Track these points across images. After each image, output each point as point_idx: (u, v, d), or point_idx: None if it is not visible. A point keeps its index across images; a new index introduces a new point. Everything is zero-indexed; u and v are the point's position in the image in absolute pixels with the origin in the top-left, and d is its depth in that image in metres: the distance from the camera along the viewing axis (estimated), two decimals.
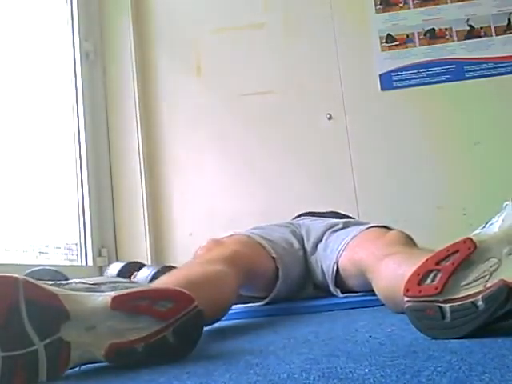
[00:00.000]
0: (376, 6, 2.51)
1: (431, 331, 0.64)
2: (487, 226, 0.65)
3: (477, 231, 0.65)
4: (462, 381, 0.42)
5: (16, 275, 0.62)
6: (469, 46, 2.44)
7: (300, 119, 2.47)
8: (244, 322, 1.12)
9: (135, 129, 2.47)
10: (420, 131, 2.42)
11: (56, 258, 2.12)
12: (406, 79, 2.45)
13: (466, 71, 2.42)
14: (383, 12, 2.50)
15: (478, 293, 0.60)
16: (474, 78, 2.41)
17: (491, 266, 0.61)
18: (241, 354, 0.65)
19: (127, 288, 0.66)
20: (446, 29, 2.47)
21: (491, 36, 2.44)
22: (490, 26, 2.44)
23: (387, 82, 2.45)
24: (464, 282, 0.62)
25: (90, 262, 2.27)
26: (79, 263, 2.25)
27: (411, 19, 2.49)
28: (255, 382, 0.50)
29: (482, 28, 2.45)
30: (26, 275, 1.15)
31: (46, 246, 2.08)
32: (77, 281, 0.68)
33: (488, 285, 0.60)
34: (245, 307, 1.24)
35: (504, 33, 2.43)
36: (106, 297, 0.63)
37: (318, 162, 2.42)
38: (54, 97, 2.31)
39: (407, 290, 0.65)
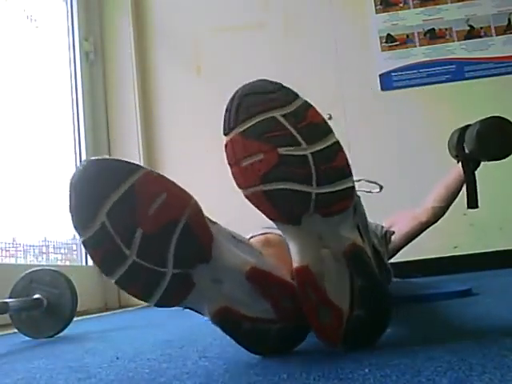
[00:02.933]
0: (376, 6, 2.51)
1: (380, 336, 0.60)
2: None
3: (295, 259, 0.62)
4: (461, 381, 0.42)
5: (191, 196, 0.61)
6: (469, 46, 2.44)
7: None
8: None
9: (135, 129, 2.47)
10: (420, 131, 2.42)
11: (56, 258, 2.12)
12: (406, 79, 2.45)
13: (466, 71, 2.42)
14: (383, 12, 2.51)
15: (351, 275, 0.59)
16: (474, 78, 2.41)
17: (327, 255, 0.60)
18: (241, 354, 0.65)
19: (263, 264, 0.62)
20: (446, 29, 2.47)
21: (491, 36, 2.44)
22: (489, 26, 2.45)
23: (387, 82, 2.45)
24: (337, 284, 0.59)
25: (90, 262, 2.28)
26: (79, 263, 2.25)
27: (411, 19, 2.49)
28: (255, 382, 0.50)
29: (482, 28, 2.45)
30: (26, 275, 1.16)
31: (46, 246, 2.08)
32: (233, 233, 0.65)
33: (343, 267, 0.59)
34: None
35: (504, 33, 2.44)
36: (246, 263, 0.60)
37: None
38: (54, 97, 2.31)
39: (335, 345, 0.60)
